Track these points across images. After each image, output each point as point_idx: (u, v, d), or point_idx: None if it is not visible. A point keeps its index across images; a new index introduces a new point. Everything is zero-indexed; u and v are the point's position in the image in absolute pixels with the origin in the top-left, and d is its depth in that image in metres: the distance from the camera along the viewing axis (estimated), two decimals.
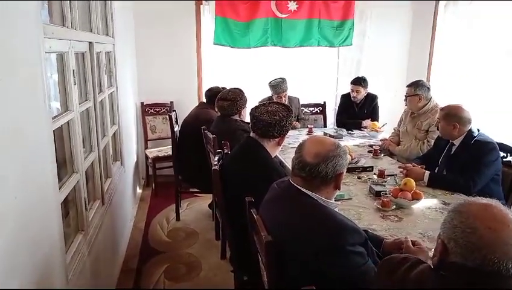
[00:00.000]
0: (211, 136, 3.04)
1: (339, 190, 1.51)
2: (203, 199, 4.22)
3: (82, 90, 2.43)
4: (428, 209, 2.27)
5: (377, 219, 2.14)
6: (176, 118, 4.02)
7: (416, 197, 2.28)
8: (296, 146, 1.58)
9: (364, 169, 2.97)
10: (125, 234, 3.41)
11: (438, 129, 2.80)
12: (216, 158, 2.31)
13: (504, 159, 2.81)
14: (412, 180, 2.38)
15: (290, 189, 1.50)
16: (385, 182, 2.66)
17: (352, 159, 3.05)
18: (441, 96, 3.88)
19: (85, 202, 2.17)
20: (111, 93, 3.21)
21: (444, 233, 1.06)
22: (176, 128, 3.87)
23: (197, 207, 4.21)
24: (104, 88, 2.88)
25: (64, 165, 2.09)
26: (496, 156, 2.61)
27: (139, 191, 4.58)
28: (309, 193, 1.46)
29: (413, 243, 1.69)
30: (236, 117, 3.24)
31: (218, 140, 2.93)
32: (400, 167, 2.85)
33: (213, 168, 2.11)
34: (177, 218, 3.90)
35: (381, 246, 1.70)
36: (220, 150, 2.55)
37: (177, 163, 3.82)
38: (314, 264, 1.33)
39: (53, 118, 1.78)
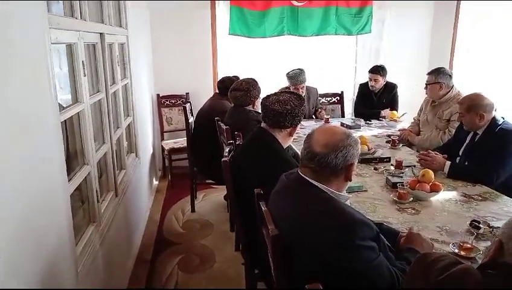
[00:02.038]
0: (224, 127, 3.01)
1: (350, 181, 1.45)
2: (219, 190, 4.20)
3: (94, 82, 2.42)
4: (448, 202, 2.17)
5: (393, 212, 2.06)
6: (191, 110, 4.00)
7: (434, 189, 2.19)
8: None
9: (382, 160, 2.88)
10: (140, 225, 3.43)
11: (462, 123, 2.66)
12: (227, 149, 2.27)
13: None
14: (431, 171, 2.28)
15: (298, 180, 1.44)
16: (402, 173, 2.56)
17: (369, 150, 2.96)
18: (465, 85, 3.71)
19: (97, 193, 2.17)
20: (125, 85, 3.21)
21: (504, 233, 0.99)
22: (191, 119, 3.85)
23: (213, 199, 4.20)
24: (117, 80, 2.88)
25: (75, 157, 2.09)
26: None
27: (155, 182, 4.61)
28: (318, 184, 1.40)
29: (407, 235, 1.62)
30: (249, 108, 3.19)
31: (232, 131, 2.90)
32: (422, 154, 2.74)
33: (223, 159, 2.07)
34: (193, 209, 3.90)
35: (396, 240, 1.62)
36: (232, 141, 2.51)
37: (192, 155, 3.80)
38: (322, 258, 1.28)
39: (62, 110, 1.78)
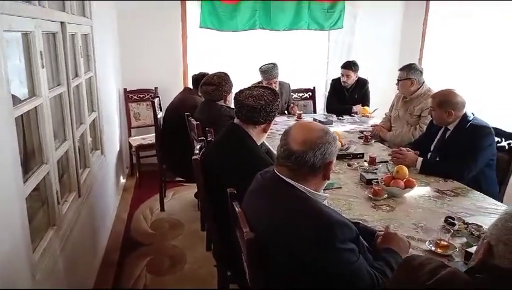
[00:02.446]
0: (194, 122, 2.90)
1: (328, 180, 1.39)
2: (189, 188, 4.09)
3: (54, 74, 2.26)
4: (422, 198, 2.16)
5: (368, 209, 2.03)
6: (160, 105, 3.86)
7: (409, 185, 2.17)
8: None
9: (355, 156, 2.86)
10: (106, 226, 3.27)
11: (431, 117, 2.68)
12: (198, 146, 2.17)
13: (498, 144, 2.72)
14: (405, 167, 2.26)
15: (274, 179, 1.37)
16: (376, 169, 2.54)
17: (342, 146, 2.93)
18: (434, 80, 3.74)
19: (57, 194, 2.02)
20: (89, 78, 3.03)
21: (492, 234, 0.94)
22: (160, 115, 3.72)
23: (183, 197, 4.08)
24: (80, 72, 2.71)
25: (33, 155, 1.93)
26: (491, 141, 2.51)
27: (122, 181, 4.43)
28: (295, 184, 1.33)
29: (384, 235, 1.57)
30: (221, 103, 3.10)
31: (203, 127, 2.80)
32: (394, 151, 2.73)
33: (194, 157, 1.96)
34: (162, 208, 3.77)
35: (373, 240, 1.58)
36: (203, 138, 2.41)
37: (161, 151, 3.67)
38: (299, 257, 1.22)
39: (17, 104, 1.63)
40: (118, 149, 4.26)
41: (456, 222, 1.79)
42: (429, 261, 0.98)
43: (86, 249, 2.58)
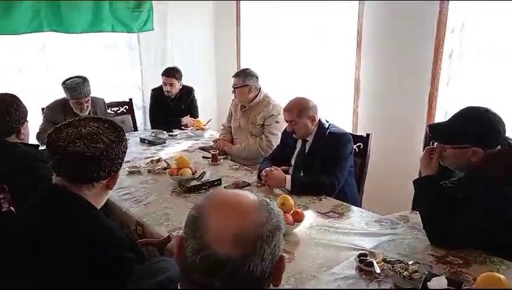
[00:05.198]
0: None
1: (278, 285, 0.83)
2: None
3: None
4: (313, 230, 1.82)
5: None
6: None
7: (298, 219, 1.80)
8: None
9: (212, 184, 2.35)
10: None
11: (293, 134, 2.41)
12: None
13: None
14: (290, 197, 1.88)
15: None
16: None
17: (193, 174, 2.38)
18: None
19: None
20: None
21: None
22: None
23: None
24: None
25: None
26: (351, 148, 2.41)
27: None
28: None
29: None
30: (14, 139, 2.10)
31: None
32: (262, 174, 2.33)
33: None
34: None
35: None
36: None
37: None
38: None
39: None
40: None
41: (372, 260, 1.49)
42: None
43: None
